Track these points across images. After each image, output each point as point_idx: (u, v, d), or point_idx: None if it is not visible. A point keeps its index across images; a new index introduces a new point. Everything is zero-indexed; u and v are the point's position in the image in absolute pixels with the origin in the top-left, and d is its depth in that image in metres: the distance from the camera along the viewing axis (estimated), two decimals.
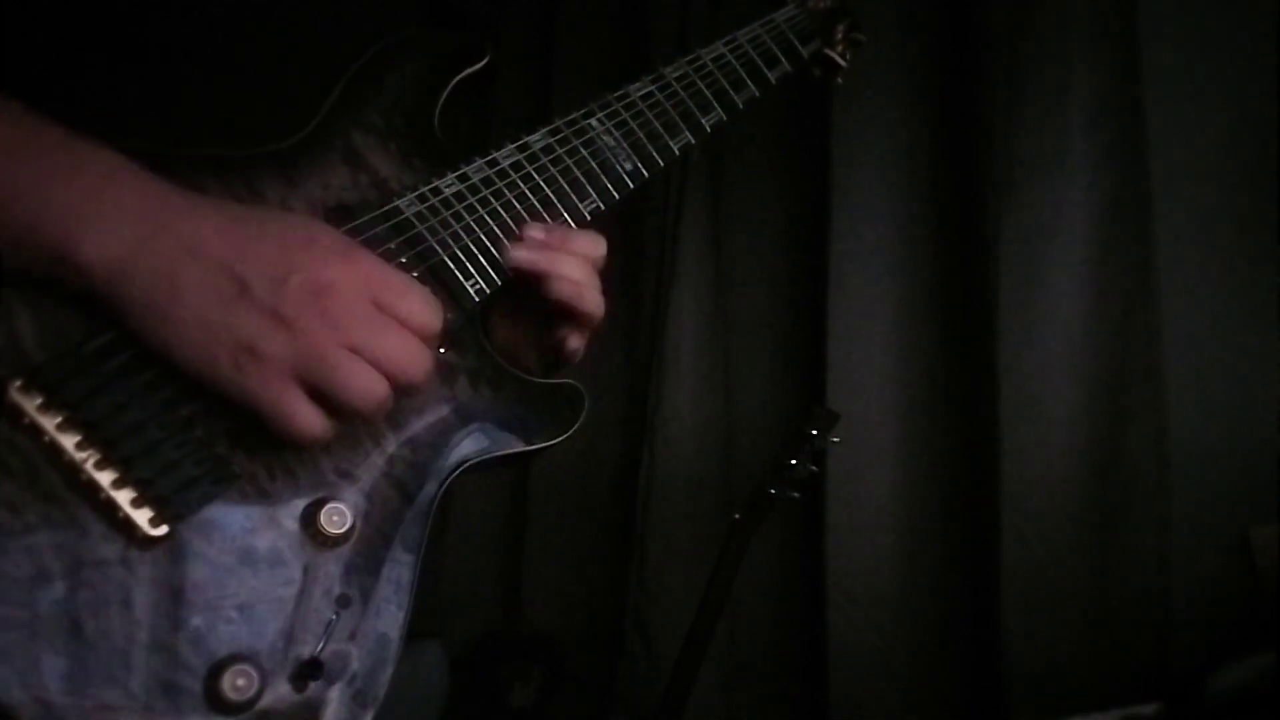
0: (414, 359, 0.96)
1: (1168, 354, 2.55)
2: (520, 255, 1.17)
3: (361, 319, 0.93)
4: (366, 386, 0.93)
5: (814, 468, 2.46)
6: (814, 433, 2.44)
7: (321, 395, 0.92)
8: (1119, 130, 2.62)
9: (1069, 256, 2.64)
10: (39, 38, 1.07)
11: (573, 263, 1.20)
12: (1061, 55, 2.67)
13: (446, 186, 1.18)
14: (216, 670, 0.87)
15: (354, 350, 0.92)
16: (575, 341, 1.24)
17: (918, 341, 2.86)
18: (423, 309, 0.98)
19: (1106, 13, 2.63)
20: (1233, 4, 2.61)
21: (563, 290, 1.18)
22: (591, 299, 1.20)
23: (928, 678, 2.77)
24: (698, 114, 1.43)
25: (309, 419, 0.92)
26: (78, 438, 0.87)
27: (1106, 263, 2.61)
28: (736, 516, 2.43)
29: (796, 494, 2.42)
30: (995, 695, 2.58)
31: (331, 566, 0.96)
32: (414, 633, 1.02)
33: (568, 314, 1.21)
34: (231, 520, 0.93)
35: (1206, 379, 2.57)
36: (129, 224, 0.88)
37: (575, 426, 1.21)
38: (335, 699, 0.94)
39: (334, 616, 0.95)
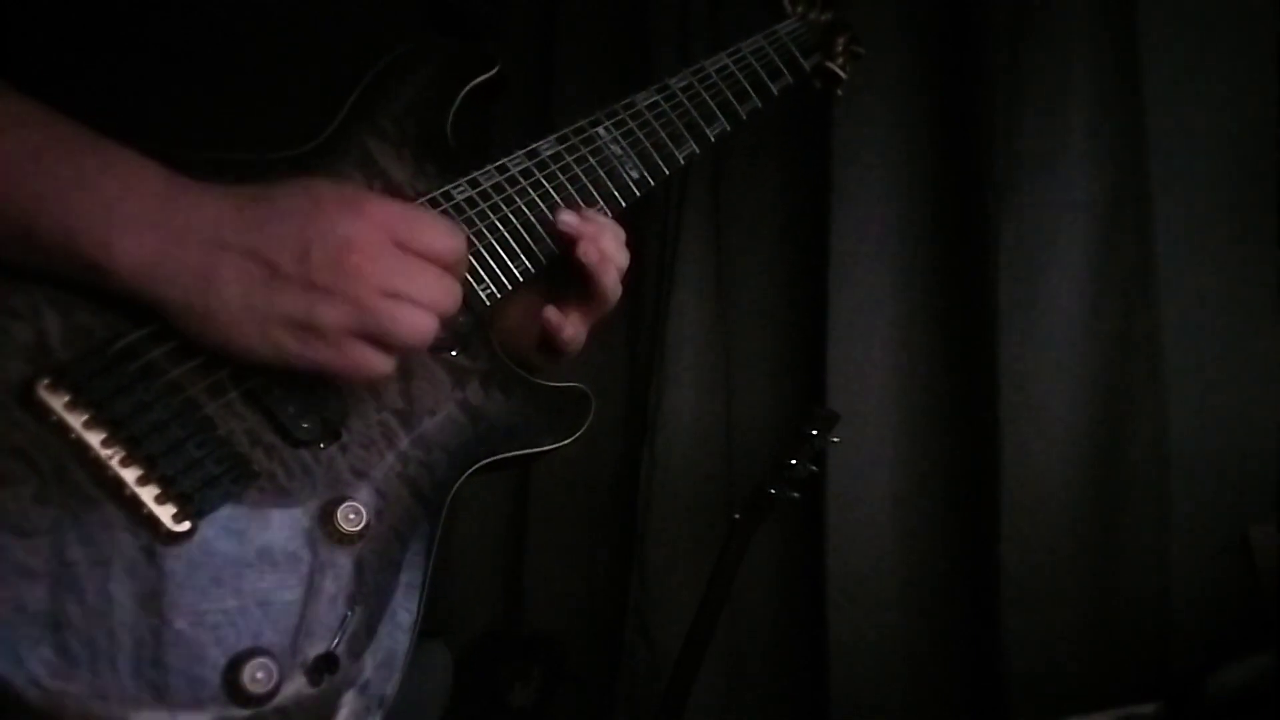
0: (447, 290, 1.00)
1: (1168, 354, 2.55)
2: (567, 218, 1.23)
3: (390, 265, 0.95)
4: (417, 325, 0.96)
5: (814, 468, 2.47)
6: (814, 433, 2.45)
7: (377, 341, 0.95)
8: (1119, 130, 2.62)
9: (1069, 256, 2.65)
10: (45, 41, 1.07)
11: (610, 235, 1.25)
12: (1061, 55, 2.67)
13: (458, 192, 1.20)
14: (236, 663, 0.88)
15: (393, 295, 0.95)
16: (572, 328, 1.27)
17: (918, 341, 2.87)
18: (439, 236, 1.01)
19: (1107, 13, 2.64)
20: (1233, 4, 2.61)
21: (590, 255, 1.22)
22: (613, 277, 1.25)
23: (928, 678, 2.78)
24: (702, 124, 1.46)
25: (379, 363, 0.97)
26: (103, 435, 0.88)
27: (1106, 263, 2.62)
28: (736, 516, 2.44)
29: (796, 494, 2.43)
30: (995, 695, 2.59)
31: (347, 564, 0.97)
32: (420, 632, 1.03)
33: (586, 286, 1.25)
34: (251, 517, 0.94)
35: (1206, 379, 2.57)
36: (156, 227, 0.90)
37: (583, 430, 1.24)
38: (348, 697, 0.94)
39: (348, 613, 0.96)
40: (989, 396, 2.65)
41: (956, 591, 2.76)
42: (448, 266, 1.00)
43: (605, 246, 1.25)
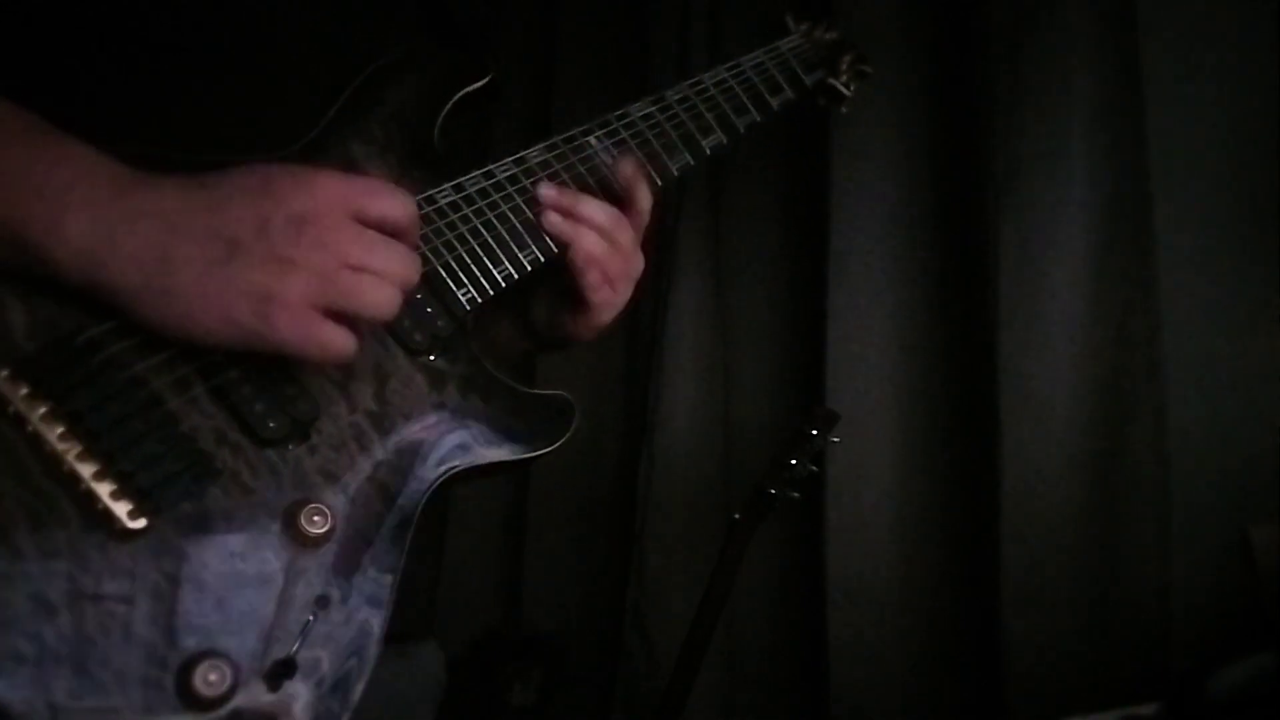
0: (406, 260, 1.00)
1: (1168, 354, 2.53)
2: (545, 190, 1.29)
3: (350, 236, 0.96)
4: (380, 295, 0.97)
5: (814, 468, 2.47)
6: (814, 433, 2.44)
7: (339, 315, 0.95)
8: (1119, 130, 2.60)
9: (1069, 256, 2.63)
10: (39, 42, 1.08)
11: (589, 205, 1.30)
12: (1061, 55, 2.65)
13: (442, 197, 1.21)
14: (189, 665, 0.87)
15: (355, 267, 0.95)
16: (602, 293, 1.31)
17: (918, 341, 2.86)
18: (392, 204, 1.01)
19: (1106, 13, 2.62)
20: (1233, 4, 2.60)
21: (556, 224, 1.28)
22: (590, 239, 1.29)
23: (928, 678, 2.77)
24: (698, 136, 1.46)
25: (342, 339, 0.96)
26: (61, 429, 0.88)
27: (1106, 263, 2.60)
28: (736, 516, 2.43)
29: (796, 494, 2.43)
30: (995, 695, 2.58)
31: (311, 567, 0.97)
32: (409, 634, 1.02)
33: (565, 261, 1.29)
34: (212, 516, 0.93)
35: (1206, 379, 2.56)
36: (107, 213, 0.90)
37: (564, 438, 1.23)
38: (308, 702, 0.93)
39: (311, 617, 0.95)
40: (989, 396, 2.63)
41: (956, 591, 2.75)
42: (402, 233, 1.01)
43: (580, 211, 1.29)
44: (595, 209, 1.30)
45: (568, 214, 1.28)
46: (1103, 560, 2.55)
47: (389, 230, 1.00)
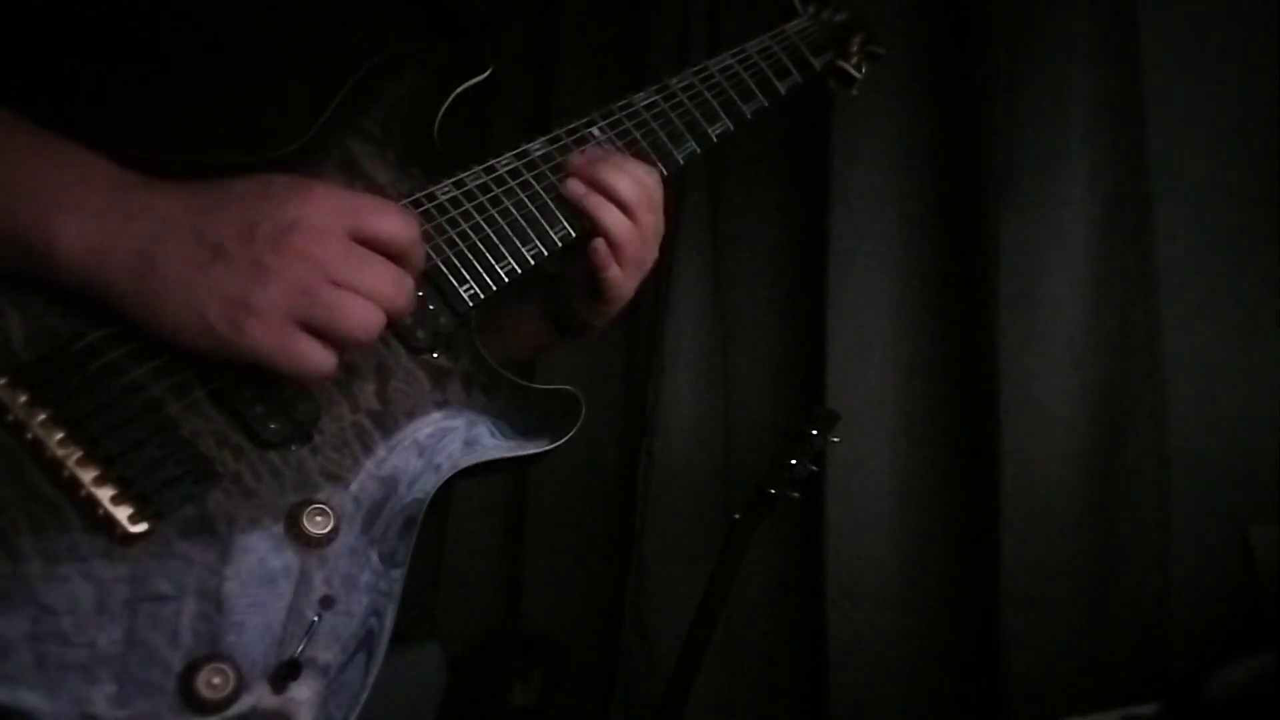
0: (397, 282, 0.97)
1: (1168, 354, 2.53)
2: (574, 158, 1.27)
3: (339, 252, 0.93)
4: (362, 317, 0.93)
5: (814, 468, 2.47)
6: (814, 433, 2.44)
7: (319, 332, 0.92)
8: (1119, 130, 2.60)
9: (1069, 256, 2.62)
10: (40, 44, 1.08)
11: (610, 168, 1.27)
12: (1061, 55, 2.65)
13: (442, 193, 1.19)
14: (192, 668, 0.87)
15: (338, 283, 0.92)
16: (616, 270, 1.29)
17: (918, 341, 2.86)
18: (392, 224, 0.98)
19: (1106, 13, 2.62)
20: (1233, 4, 2.60)
21: (575, 190, 1.26)
22: (609, 210, 1.27)
23: (928, 678, 2.77)
24: (704, 124, 1.43)
25: (318, 356, 0.93)
26: (60, 435, 0.88)
27: (1106, 263, 2.60)
28: (736, 516, 2.43)
29: (796, 494, 2.42)
30: (995, 695, 2.57)
31: (315, 567, 0.96)
32: (411, 635, 1.02)
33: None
34: (214, 520, 0.93)
35: (1206, 379, 2.56)
36: (104, 214, 0.89)
37: (571, 433, 1.21)
38: (313, 704, 0.92)
39: (316, 618, 0.94)
40: (989, 396, 2.63)
41: (956, 591, 2.75)
42: (401, 255, 0.98)
43: (599, 176, 1.26)
44: (623, 182, 1.26)
45: (592, 185, 1.26)
46: (1103, 560, 2.55)
47: (388, 253, 0.97)
